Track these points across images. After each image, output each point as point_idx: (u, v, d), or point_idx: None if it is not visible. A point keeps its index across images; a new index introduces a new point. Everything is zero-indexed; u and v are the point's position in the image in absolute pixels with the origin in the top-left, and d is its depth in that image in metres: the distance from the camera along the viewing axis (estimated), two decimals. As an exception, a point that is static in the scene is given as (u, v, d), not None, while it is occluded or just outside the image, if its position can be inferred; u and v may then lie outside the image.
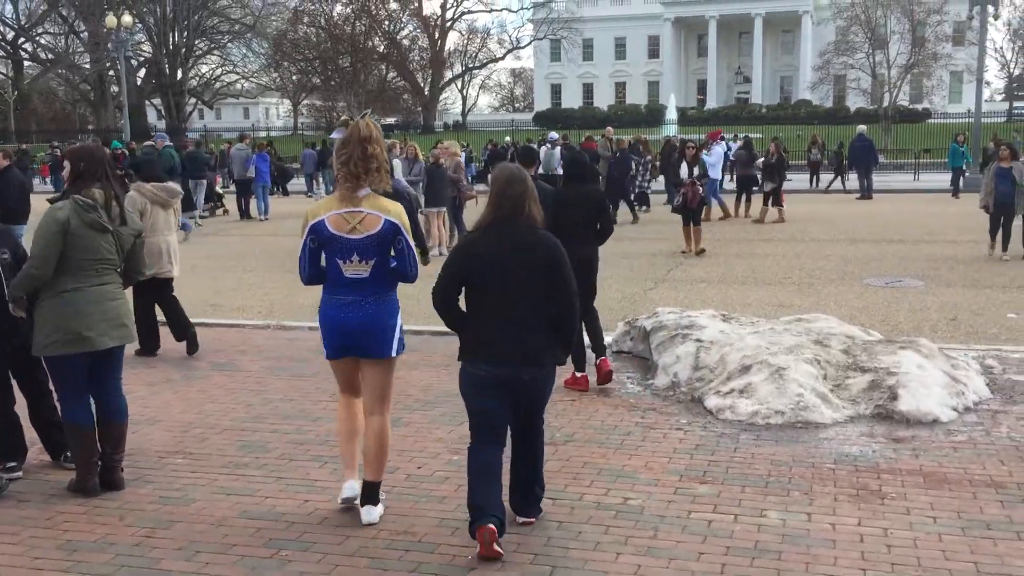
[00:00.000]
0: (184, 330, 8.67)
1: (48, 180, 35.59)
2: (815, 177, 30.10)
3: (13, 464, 5.43)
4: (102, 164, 5.17)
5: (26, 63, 68.37)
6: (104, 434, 5.22)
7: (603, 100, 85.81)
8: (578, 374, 7.16)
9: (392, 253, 4.65)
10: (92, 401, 5.25)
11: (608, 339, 8.45)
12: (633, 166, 21.04)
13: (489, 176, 8.27)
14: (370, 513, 4.75)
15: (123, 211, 5.19)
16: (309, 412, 6.80)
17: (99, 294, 5.05)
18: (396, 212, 4.63)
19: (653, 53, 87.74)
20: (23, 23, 66.86)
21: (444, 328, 4.86)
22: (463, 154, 19.86)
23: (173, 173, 19.44)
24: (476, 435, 4.53)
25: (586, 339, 7.16)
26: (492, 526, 4.27)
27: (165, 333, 8.81)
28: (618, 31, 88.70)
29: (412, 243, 4.70)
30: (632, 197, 21.14)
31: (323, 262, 4.71)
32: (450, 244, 16.91)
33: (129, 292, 6.15)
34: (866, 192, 25.68)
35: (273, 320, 10.47)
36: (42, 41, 67.39)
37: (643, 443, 6.02)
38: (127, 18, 40.64)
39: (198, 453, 5.97)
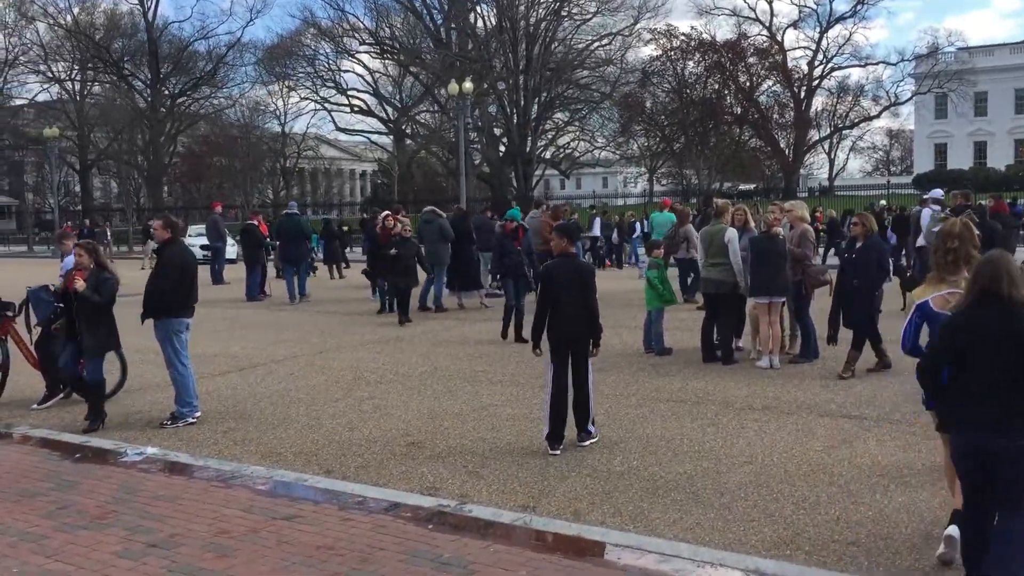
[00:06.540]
0: None
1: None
2: None
3: None
4: None
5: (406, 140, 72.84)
6: None
7: (999, 160, 74.27)
8: None
9: None
10: None
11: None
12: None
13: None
14: None
15: None
16: None
17: None
18: None
19: (1065, 104, 75.17)
20: (405, 103, 71.36)
21: None
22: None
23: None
24: (963, 500, 4.75)
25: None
26: None
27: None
28: (1019, 82, 77.06)
29: None
30: None
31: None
32: (790, 348, 11.81)
33: None
34: None
35: (454, 501, 6.29)
36: (418, 119, 70.63)
37: None
38: (468, 84, 39.54)
39: None
